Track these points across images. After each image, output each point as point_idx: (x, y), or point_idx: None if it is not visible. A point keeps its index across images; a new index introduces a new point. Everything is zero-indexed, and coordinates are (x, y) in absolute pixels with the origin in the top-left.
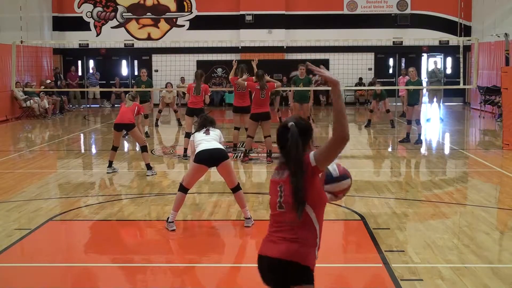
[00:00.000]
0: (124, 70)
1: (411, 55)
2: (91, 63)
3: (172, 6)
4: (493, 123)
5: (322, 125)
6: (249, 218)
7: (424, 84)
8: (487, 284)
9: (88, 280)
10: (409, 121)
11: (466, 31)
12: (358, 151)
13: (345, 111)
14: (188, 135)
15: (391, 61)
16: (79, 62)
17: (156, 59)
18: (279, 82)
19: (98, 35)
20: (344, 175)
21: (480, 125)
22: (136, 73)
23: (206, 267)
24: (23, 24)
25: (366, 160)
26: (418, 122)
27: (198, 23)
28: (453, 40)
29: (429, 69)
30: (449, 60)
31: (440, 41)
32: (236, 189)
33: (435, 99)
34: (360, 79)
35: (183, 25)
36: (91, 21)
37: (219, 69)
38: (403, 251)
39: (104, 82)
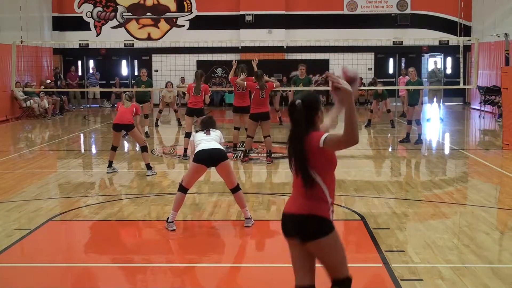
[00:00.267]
0: (124, 70)
1: (411, 55)
2: (91, 63)
3: (172, 6)
4: (493, 123)
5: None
6: (249, 218)
7: (424, 84)
8: (487, 284)
9: (88, 280)
10: (409, 121)
11: (466, 31)
12: (358, 151)
13: (357, 118)
14: (188, 135)
15: (391, 61)
16: (79, 62)
17: (156, 59)
18: (278, 82)
19: (98, 35)
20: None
21: (480, 125)
22: (136, 73)
23: (206, 267)
24: (23, 24)
25: (366, 160)
26: (418, 122)
27: (198, 23)
28: (453, 40)
29: (429, 69)
30: (449, 60)
31: (440, 41)
32: (235, 189)
33: (435, 99)
34: (360, 79)
35: (183, 25)
36: (91, 21)
37: (219, 69)
38: (403, 251)
39: (104, 82)
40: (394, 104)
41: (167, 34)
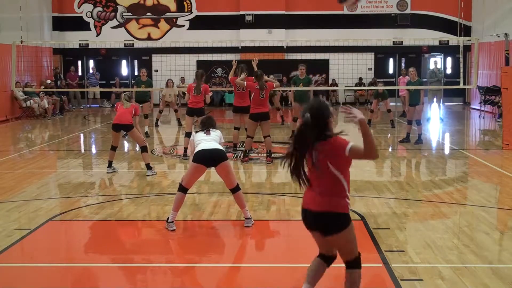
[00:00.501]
0: (124, 70)
1: (411, 55)
2: (91, 63)
3: (172, 6)
4: (493, 123)
5: None
6: (249, 218)
7: (425, 84)
8: (487, 284)
9: (88, 280)
10: (410, 122)
11: (466, 31)
12: None
13: (373, 138)
14: (188, 134)
15: (391, 61)
16: (79, 62)
17: (156, 59)
18: (278, 82)
19: (98, 35)
20: None
21: (480, 125)
22: (136, 73)
23: (206, 267)
24: (23, 24)
25: (366, 160)
26: (418, 122)
27: (198, 23)
28: (453, 40)
29: (429, 69)
30: (449, 60)
31: (440, 41)
32: (235, 189)
33: (435, 99)
34: (360, 79)
35: (183, 25)
36: (91, 21)
37: (219, 69)
38: (403, 251)
39: (104, 82)
40: (394, 104)
41: (167, 34)
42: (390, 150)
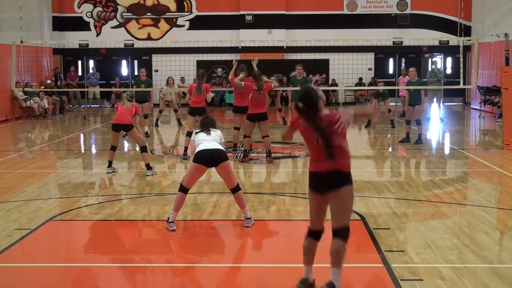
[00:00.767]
0: (124, 70)
1: (411, 55)
2: (91, 63)
3: (172, 6)
4: (493, 123)
5: None
6: (249, 218)
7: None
8: (487, 284)
9: (88, 280)
10: (408, 122)
11: (466, 31)
12: (358, 151)
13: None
14: (189, 134)
15: (391, 61)
16: (79, 62)
17: (156, 59)
18: (276, 82)
19: (98, 35)
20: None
21: (480, 125)
22: (136, 73)
23: (206, 267)
24: (23, 24)
25: (366, 160)
26: (418, 122)
27: (198, 23)
28: (453, 40)
29: (429, 69)
30: (449, 60)
31: (440, 41)
32: (235, 189)
33: (435, 99)
34: (360, 79)
35: (183, 25)
36: (91, 21)
37: (219, 69)
38: (403, 251)
39: (104, 82)
40: (394, 104)
41: (167, 34)
42: (390, 150)
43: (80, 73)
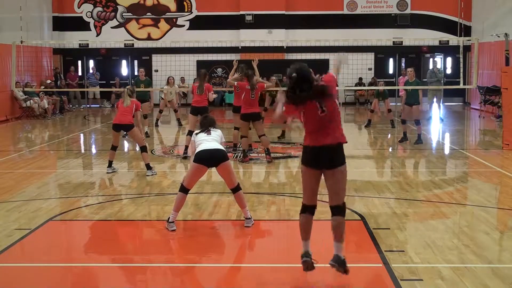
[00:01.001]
0: (124, 70)
1: (411, 55)
2: (91, 63)
3: (172, 6)
4: (493, 123)
5: None
6: (249, 218)
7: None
8: (487, 284)
9: (88, 280)
10: (404, 121)
11: (466, 31)
12: (358, 151)
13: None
14: (190, 133)
15: (391, 61)
16: (79, 62)
17: (156, 59)
18: (269, 82)
19: (98, 35)
20: None
21: (480, 125)
22: (136, 73)
23: (206, 267)
24: (23, 24)
25: (366, 160)
26: (417, 122)
27: (198, 23)
28: (453, 40)
29: (429, 69)
30: (449, 60)
31: (440, 41)
32: (236, 189)
33: (435, 99)
34: (360, 79)
35: (183, 25)
36: (91, 21)
37: (219, 69)
38: (403, 251)
39: (104, 82)
40: (394, 104)
41: (167, 34)
42: (390, 150)
43: (80, 73)
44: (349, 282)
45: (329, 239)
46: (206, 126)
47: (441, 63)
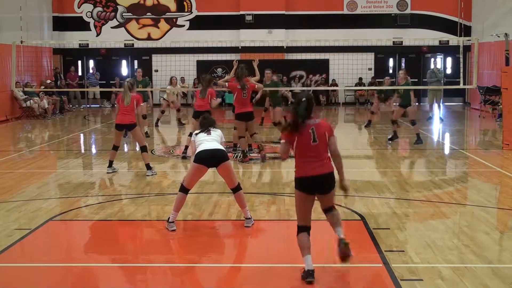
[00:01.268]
0: (124, 70)
1: (411, 55)
2: (91, 63)
3: (172, 6)
4: (493, 123)
5: None
6: (249, 218)
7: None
8: (487, 284)
9: (88, 280)
10: (394, 121)
11: (466, 31)
12: (358, 151)
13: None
14: (192, 134)
15: (391, 61)
16: (79, 62)
17: (156, 59)
18: (261, 84)
19: (98, 35)
20: None
21: (480, 125)
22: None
23: (206, 267)
24: (23, 24)
25: (366, 160)
26: (413, 122)
27: (198, 23)
28: (453, 40)
29: (429, 69)
30: (449, 60)
31: (440, 41)
32: (236, 189)
33: (434, 99)
34: (360, 79)
35: (183, 25)
36: (91, 21)
37: (219, 69)
38: (403, 251)
39: (104, 82)
40: (394, 104)
41: (167, 34)
42: (390, 150)
43: (80, 73)
44: (349, 282)
45: (328, 239)
46: (206, 126)
47: (441, 63)
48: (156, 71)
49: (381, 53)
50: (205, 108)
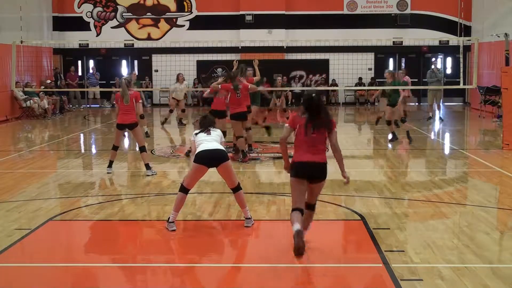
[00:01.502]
0: (124, 70)
1: (411, 55)
2: (91, 63)
3: (172, 6)
4: (493, 123)
5: None
6: (249, 218)
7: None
8: (487, 284)
9: (88, 280)
10: (389, 122)
11: (466, 31)
12: (358, 151)
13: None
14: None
15: (391, 61)
16: (79, 62)
17: (156, 59)
18: (254, 85)
19: (98, 35)
20: None
21: (480, 125)
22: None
23: (206, 267)
24: (23, 24)
25: (366, 160)
26: (403, 120)
27: (198, 23)
28: (453, 40)
29: (429, 69)
30: (449, 60)
31: (440, 41)
32: (236, 189)
33: (434, 99)
34: (360, 79)
35: (183, 25)
36: (91, 21)
37: (219, 69)
38: (403, 251)
39: (104, 82)
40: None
41: (167, 34)
42: (390, 150)
43: (80, 73)
44: (349, 282)
45: (328, 239)
46: (206, 126)
47: (441, 63)
48: (156, 71)
49: (381, 53)
50: (221, 107)
